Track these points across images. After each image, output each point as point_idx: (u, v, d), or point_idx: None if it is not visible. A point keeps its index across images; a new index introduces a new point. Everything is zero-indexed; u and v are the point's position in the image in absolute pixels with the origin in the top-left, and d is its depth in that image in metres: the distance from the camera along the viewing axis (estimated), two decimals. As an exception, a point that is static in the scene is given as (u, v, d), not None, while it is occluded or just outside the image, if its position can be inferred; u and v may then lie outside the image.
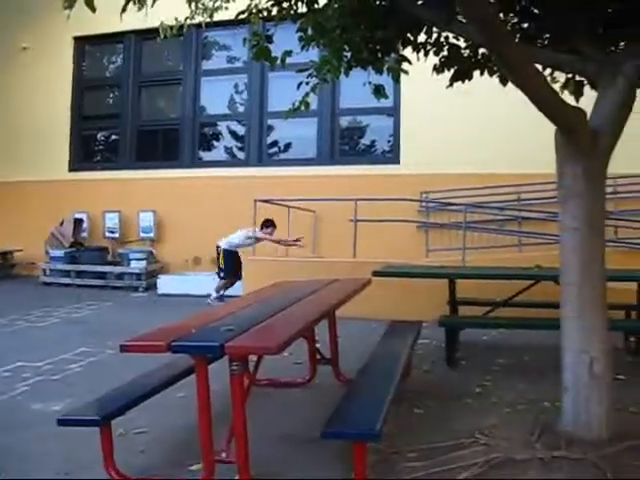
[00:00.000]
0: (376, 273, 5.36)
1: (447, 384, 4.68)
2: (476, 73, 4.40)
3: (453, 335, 5.30)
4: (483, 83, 4.57)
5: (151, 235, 11.03)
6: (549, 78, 4.88)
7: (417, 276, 6.01)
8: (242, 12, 4.34)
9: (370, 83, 4.36)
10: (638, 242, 8.09)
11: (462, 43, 4.24)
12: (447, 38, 4.33)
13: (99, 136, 12.86)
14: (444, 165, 9.36)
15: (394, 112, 10.43)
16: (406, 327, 4.64)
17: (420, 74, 4.64)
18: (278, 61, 4.26)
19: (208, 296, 8.55)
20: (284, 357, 5.03)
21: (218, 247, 8.76)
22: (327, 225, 9.97)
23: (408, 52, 4.42)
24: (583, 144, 3.15)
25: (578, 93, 4.81)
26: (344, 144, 11.34)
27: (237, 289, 8.38)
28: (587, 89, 4.07)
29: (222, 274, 8.73)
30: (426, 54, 4.52)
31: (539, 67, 3.64)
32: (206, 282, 9.26)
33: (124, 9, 3.41)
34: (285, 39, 4.36)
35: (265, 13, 4.30)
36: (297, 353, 4.87)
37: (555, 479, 2.85)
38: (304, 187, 9.54)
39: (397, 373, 3.37)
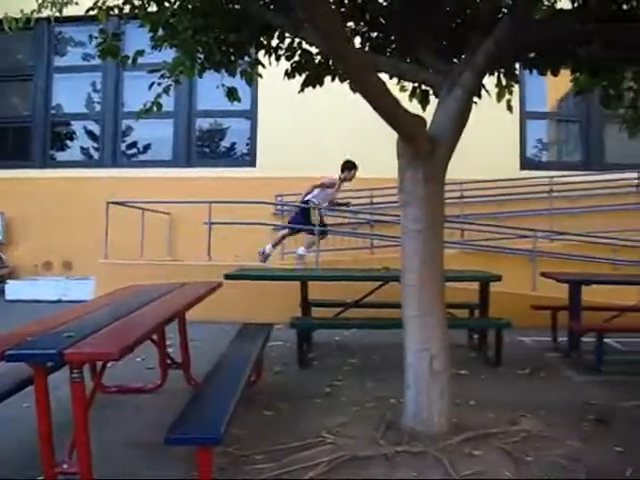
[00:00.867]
0: (228, 276, 5.43)
1: (298, 385, 4.83)
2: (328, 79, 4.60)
3: (305, 336, 5.49)
4: (337, 89, 4.78)
5: (-1, 238, 10.46)
6: (398, 86, 5.23)
7: (268, 279, 6.16)
8: (91, 8, 4.24)
9: (223, 85, 4.42)
10: (482, 244, 8.83)
11: (314, 49, 4.40)
12: (300, 44, 4.49)
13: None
14: (301, 168, 9.64)
15: (252, 115, 10.68)
16: (257, 329, 4.73)
17: (277, 78, 4.77)
18: (129, 60, 4.20)
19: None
20: (136, 362, 4.98)
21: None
22: (183, 228, 9.94)
23: (263, 56, 4.55)
24: (422, 151, 3.40)
25: (424, 102, 5.18)
26: (201, 146, 11.41)
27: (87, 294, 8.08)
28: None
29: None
30: (278, 58, 4.66)
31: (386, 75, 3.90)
32: (57, 287, 9.08)
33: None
34: (141, 38, 4.31)
35: (116, 10, 4.23)
36: (149, 358, 4.87)
37: (398, 478, 3.04)
38: (160, 189, 9.55)
39: (244, 376, 3.43)
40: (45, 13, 5.53)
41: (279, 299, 6.59)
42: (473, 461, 3.14)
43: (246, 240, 8.73)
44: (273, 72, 4.73)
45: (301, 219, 8.48)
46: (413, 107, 3.76)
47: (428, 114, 3.81)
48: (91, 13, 4.27)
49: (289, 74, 4.68)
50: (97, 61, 10.97)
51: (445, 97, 3.68)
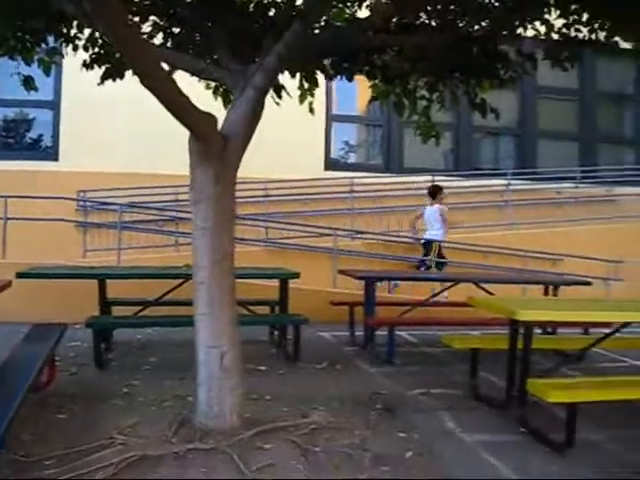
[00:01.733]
0: (20, 275, 5.19)
1: (95, 386, 4.73)
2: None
3: (102, 336, 5.40)
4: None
5: None
6: (204, 83, 5.33)
7: (64, 277, 5.95)
8: None
9: (19, 74, 4.23)
10: (286, 242, 9.21)
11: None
12: (103, 35, 4.42)
13: None
14: (105, 163, 9.37)
15: (55, 107, 10.15)
16: (49, 330, 4.57)
17: (80, 70, 4.65)
18: None
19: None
20: None
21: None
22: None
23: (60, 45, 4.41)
24: (214, 149, 3.53)
25: (227, 100, 5.34)
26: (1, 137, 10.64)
27: None
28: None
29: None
30: (75, 48, 4.54)
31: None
32: None
33: None
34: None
35: None
36: None
37: (189, 476, 3.13)
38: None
39: (30, 377, 3.32)
40: None
41: (79, 298, 6.37)
42: (263, 454, 3.30)
43: (45, 237, 8.31)
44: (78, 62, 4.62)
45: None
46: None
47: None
48: None
49: (87, 65, 4.59)
50: None
51: (238, 97, 3.85)
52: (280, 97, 5.22)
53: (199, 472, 3.10)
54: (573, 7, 5.56)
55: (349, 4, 5.20)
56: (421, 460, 3.33)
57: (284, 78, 5.04)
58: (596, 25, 5.57)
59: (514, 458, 3.37)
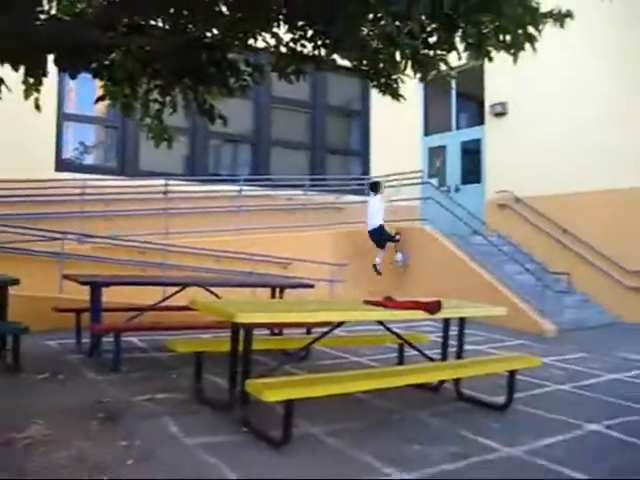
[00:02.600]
0: None
1: None
2: None
3: None
4: None
5: None
6: None
7: None
8: None
9: None
10: (8, 246, 8.57)
11: None
12: None
13: None
14: None
15: None
16: None
17: None
18: None
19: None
20: None
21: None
22: None
23: None
24: None
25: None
26: None
27: None
28: None
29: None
30: None
31: None
32: None
33: None
34: None
35: None
36: None
37: None
38: None
39: None
40: None
41: None
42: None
43: None
44: None
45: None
46: None
47: None
48: None
49: None
50: None
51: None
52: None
53: None
54: (300, 23, 6.09)
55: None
56: (142, 467, 3.39)
57: (5, 72, 4.78)
58: (319, 42, 6.15)
59: (234, 457, 3.56)
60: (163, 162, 11.34)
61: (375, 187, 11.27)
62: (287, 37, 6.34)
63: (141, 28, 5.75)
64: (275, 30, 6.23)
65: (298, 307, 4.53)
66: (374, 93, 6.61)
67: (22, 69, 5.30)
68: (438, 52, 5.97)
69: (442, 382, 5.15)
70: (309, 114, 14.01)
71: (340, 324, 4.43)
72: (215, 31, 6.03)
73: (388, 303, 4.45)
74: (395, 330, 5.35)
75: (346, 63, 6.45)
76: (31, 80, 5.42)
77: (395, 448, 3.81)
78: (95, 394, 4.84)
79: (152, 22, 5.94)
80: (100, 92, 6.49)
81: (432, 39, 5.35)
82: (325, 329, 4.65)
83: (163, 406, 4.57)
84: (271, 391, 3.51)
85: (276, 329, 6.62)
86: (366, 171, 14.26)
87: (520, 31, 5.21)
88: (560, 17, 5.24)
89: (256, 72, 6.60)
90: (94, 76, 5.96)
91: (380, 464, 3.54)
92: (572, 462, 3.65)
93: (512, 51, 5.23)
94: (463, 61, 5.73)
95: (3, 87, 5.35)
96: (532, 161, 11.95)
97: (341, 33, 5.34)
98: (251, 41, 6.54)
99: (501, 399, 4.81)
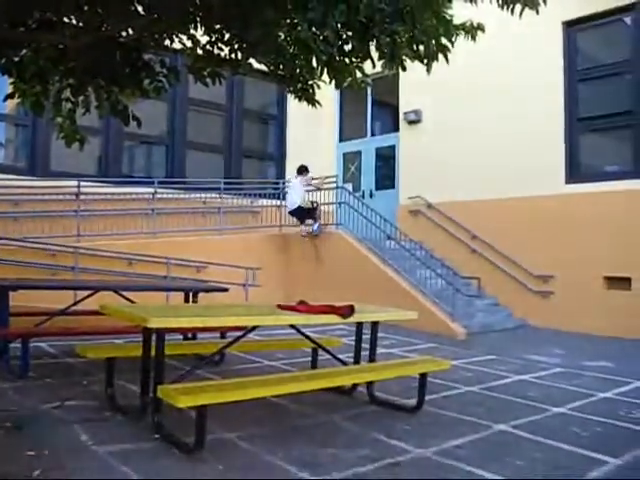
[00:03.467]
0: None
1: None
2: None
3: None
4: None
5: None
6: None
7: None
8: None
9: None
10: None
11: None
12: None
13: None
14: None
15: None
16: None
17: None
18: None
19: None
20: None
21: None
22: None
23: None
24: None
25: None
26: None
27: None
28: None
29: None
30: None
31: None
32: None
33: None
34: None
35: None
36: None
37: None
38: None
39: None
40: None
41: None
42: None
43: None
44: None
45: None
46: None
47: None
48: None
49: None
50: None
51: None
52: None
53: None
54: (217, 26, 6.05)
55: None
56: (50, 477, 3.28)
57: None
58: (236, 46, 6.12)
59: (145, 465, 3.48)
60: (76, 163, 10.98)
61: (300, 170, 11.95)
62: (204, 39, 6.31)
63: (53, 24, 5.55)
64: (192, 32, 6.18)
65: (209, 312, 4.48)
66: (291, 98, 6.66)
67: None
68: (353, 60, 6.07)
69: (355, 386, 5.22)
70: (225, 117, 13.90)
71: (253, 328, 4.41)
72: (131, 31, 5.91)
73: (301, 307, 4.47)
74: (310, 334, 5.39)
75: (263, 68, 6.47)
76: None
77: (309, 452, 3.83)
78: (1, 402, 4.63)
79: (65, 19, 5.74)
80: (10, 89, 6.21)
81: (347, 47, 5.42)
82: (239, 333, 4.62)
83: (73, 414, 4.42)
84: (183, 397, 3.46)
85: (190, 333, 6.53)
86: (282, 175, 14.29)
87: (433, 42, 5.37)
88: (472, 29, 5.42)
89: (171, 73, 6.51)
90: (2, 73, 5.72)
91: (294, 468, 3.55)
92: (480, 461, 3.77)
93: (425, 61, 5.37)
94: (379, 69, 5.85)
95: None
96: (443, 168, 12.32)
97: (257, 38, 5.34)
98: (167, 42, 6.46)
99: (413, 401, 4.92)
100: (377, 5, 4.83)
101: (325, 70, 6.34)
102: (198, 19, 5.87)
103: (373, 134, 14.72)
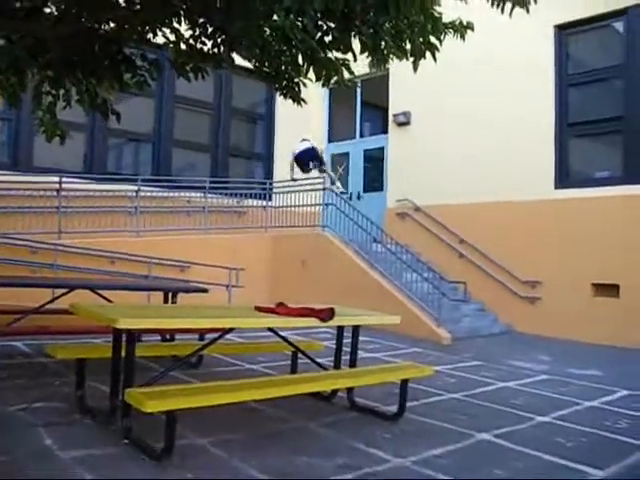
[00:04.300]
0: None
1: None
2: None
3: None
4: None
5: None
6: None
7: None
8: None
9: None
10: None
11: None
12: None
13: None
14: None
15: None
16: None
17: None
18: None
19: None
20: None
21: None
22: None
23: None
24: None
25: None
26: None
27: None
28: None
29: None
30: None
31: None
32: None
33: None
34: None
35: None
36: None
37: None
38: None
39: None
40: None
41: None
42: None
43: None
44: None
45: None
46: None
47: None
48: None
49: None
50: None
51: None
52: None
53: None
54: (200, 20, 5.92)
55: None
56: (6, 485, 3.14)
57: None
58: (219, 40, 5.99)
59: (111, 472, 3.34)
60: (59, 159, 10.81)
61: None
62: (188, 34, 6.18)
63: (29, 14, 5.39)
64: (175, 25, 6.04)
65: (184, 313, 4.34)
66: (280, 98, 6.54)
67: None
68: (335, 53, 5.95)
69: (335, 391, 5.08)
70: (213, 116, 13.75)
71: (229, 331, 4.27)
72: (112, 23, 5.77)
73: (280, 310, 4.34)
74: (291, 337, 5.26)
75: (248, 65, 6.35)
76: None
77: (284, 460, 3.69)
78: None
79: (45, 9, 5.59)
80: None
81: (327, 38, 5.29)
82: (217, 335, 4.49)
83: (39, 416, 4.26)
84: (152, 401, 3.31)
85: (168, 335, 6.38)
86: (269, 175, 14.15)
87: (421, 39, 5.25)
88: (461, 28, 5.31)
89: (153, 68, 6.37)
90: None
91: (265, 477, 3.41)
92: (460, 472, 3.65)
93: (412, 59, 5.25)
94: (367, 70, 5.75)
95: None
96: (432, 171, 12.22)
97: (239, 30, 5.21)
98: (150, 36, 6.33)
99: (394, 408, 4.79)
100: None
101: (311, 67, 6.25)
102: (181, 12, 5.74)
103: (362, 135, 14.61)
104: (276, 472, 3.48)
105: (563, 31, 10.69)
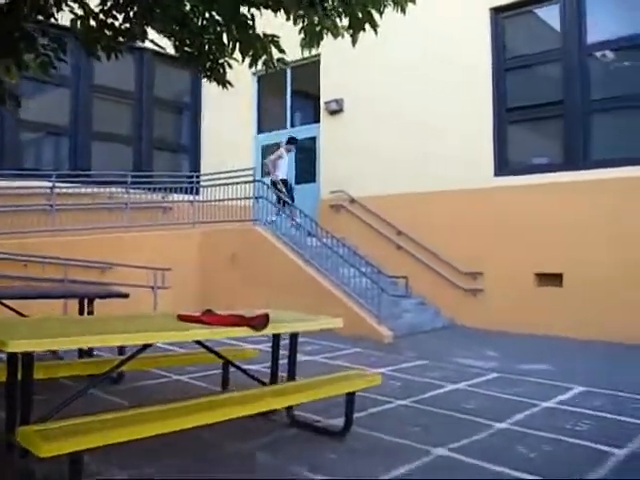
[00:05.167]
0: None
1: None
2: None
3: None
4: None
5: None
6: None
7: None
8: None
9: None
10: None
11: None
12: None
13: None
14: None
15: None
16: None
17: None
18: None
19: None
20: None
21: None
22: None
23: None
24: None
25: None
26: None
27: None
28: None
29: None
30: None
31: None
32: None
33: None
34: None
35: None
36: None
37: None
38: None
39: None
40: None
41: None
42: None
43: None
44: None
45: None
46: None
47: None
48: None
49: None
50: None
51: None
52: None
53: None
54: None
55: None
56: None
57: None
58: (131, 13, 5.38)
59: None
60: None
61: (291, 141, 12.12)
62: (98, 9, 5.54)
63: None
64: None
65: (95, 327, 3.71)
66: (206, 87, 6.01)
67: None
68: (268, 34, 5.46)
69: (273, 406, 4.54)
70: (134, 106, 12.92)
71: (148, 346, 3.67)
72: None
73: (206, 318, 3.77)
74: (225, 340, 4.69)
75: (170, 47, 5.77)
76: None
77: (213, 499, 3.14)
78: None
79: None
80: None
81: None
82: (136, 350, 3.87)
83: None
84: (50, 443, 2.68)
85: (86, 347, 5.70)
86: (196, 168, 13.43)
87: (360, 14, 4.78)
88: (402, 0, 4.86)
89: (57, 46, 5.66)
90: None
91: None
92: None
93: (351, 32, 4.77)
94: (298, 56, 5.30)
95: None
96: (367, 160, 11.78)
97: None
98: (55, 10, 5.64)
99: (339, 421, 4.30)
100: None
101: (237, 45, 5.73)
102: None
103: (293, 125, 14.05)
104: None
105: (499, 14, 10.37)
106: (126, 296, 6.22)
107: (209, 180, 11.92)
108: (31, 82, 9.24)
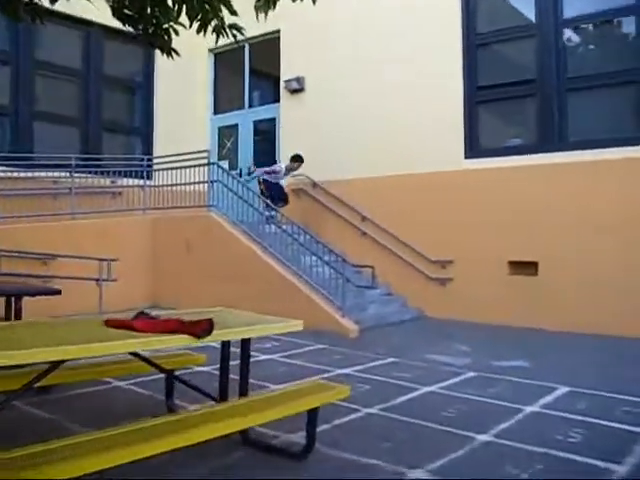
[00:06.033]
0: None
1: None
2: None
3: None
4: None
5: None
6: None
7: None
8: None
9: None
10: None
11: None
12: None
13: None
14: None
15: None
16: None
17: None
18: None
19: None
20: None
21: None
22: None
23: None
24: None
25: None
26: None
27: None
28: None
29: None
30: None
31: None
32: None
33: None
34: None
35: None
36: None
37: None
38: None
39: None
40: None
41: None
42: None
43: None
44: None
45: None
46: None
47: None
48: None
49: None
50: None
51: None
52: None
53: None
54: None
55: None
56: None
57: None
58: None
59: None
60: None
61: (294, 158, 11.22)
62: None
63: None
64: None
65: (5, 337, 3.02)
66: (159, 66, 5.34)
67: None
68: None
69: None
70: (81, 84, 12.04)
71: (59, 363, 3.01)
72: None
73: (139, 324, 3.12)
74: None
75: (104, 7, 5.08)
76: None
77: None
78: None
79: None
80: None
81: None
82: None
83: None
84: None
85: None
86: (148, 151, 12.63)
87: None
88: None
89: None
90: None
91: None
92: None
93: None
94: (256, 31, 4.63)
95: None
96: (330, 142, 11.14)
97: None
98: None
99: (299, 437, 3.71)
100: None
101: (183, 7, 5.08)
102: None
103: (251, 105, 13.32)
104: None
105: (469, -14, 9.81)
106: (58, 293, 5.49)
107: (162, 163, 11.14)
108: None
